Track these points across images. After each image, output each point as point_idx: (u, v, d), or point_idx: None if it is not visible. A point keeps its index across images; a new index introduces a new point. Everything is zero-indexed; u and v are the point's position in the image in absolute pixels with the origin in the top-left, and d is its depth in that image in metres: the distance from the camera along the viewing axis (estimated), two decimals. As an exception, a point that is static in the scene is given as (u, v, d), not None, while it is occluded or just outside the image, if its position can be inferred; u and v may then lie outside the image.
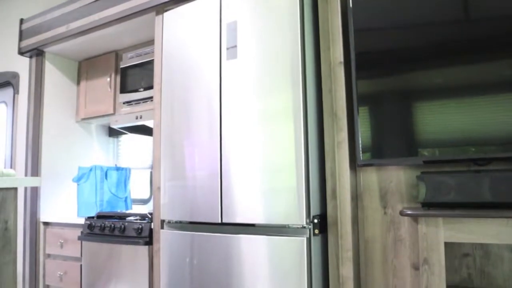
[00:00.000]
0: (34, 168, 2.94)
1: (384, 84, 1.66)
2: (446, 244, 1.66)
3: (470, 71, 1.51)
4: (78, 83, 3.29)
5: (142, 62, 2.80)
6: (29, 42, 3.05)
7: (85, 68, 3.25)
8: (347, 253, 1.68)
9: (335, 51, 1.78)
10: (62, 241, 2.76)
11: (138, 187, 3.32)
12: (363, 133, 1.69)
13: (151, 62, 2.73)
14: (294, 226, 1.66)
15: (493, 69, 1.47)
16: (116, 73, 3.05)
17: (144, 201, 3.24)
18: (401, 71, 1.63)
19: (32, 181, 1.83)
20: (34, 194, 2.93)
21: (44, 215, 2.94)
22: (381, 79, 1.67)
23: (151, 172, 3.24)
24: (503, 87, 1.45)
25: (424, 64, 1.59)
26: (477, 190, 1.46)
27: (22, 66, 3.39)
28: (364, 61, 1.71)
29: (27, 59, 3.20)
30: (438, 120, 1.55)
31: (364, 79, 1.71)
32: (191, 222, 1.97)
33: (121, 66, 2.93)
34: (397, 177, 1.77)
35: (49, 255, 2.89)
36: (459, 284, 1.66)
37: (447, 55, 1.55)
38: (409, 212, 1.52)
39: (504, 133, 1.44)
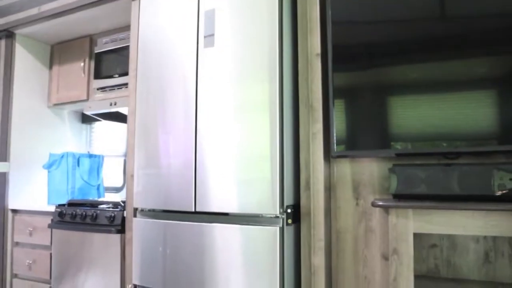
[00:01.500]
0: (3, 154, 2.85)
1: (360, 77, 1.68)
2: (415, 235, 1.71)
3: (444, 67, 1.54)
4: (51, 67, 3.20)
5: (117, 48, 2.74)
6: (-2, 23, 2.94)
7: (58, 52, 3.15)
8: (319, 243, 1.70)
9: (313, 43, 1.79)
10: (31, 229, 2.70)
11: (112, 175, 3.27)
12: (338, 125, 1.71)
13: (126, 48, 2.68)
14: (267, 215, 1.67)
15: (466, 66, 1.51)
16: (90, 58, 2.97)
17: (117, 189, 3.19)
18: (377, 65, 1.65)
19: (0, 167, 1.77)
20: (2, 180, 2.84)
21: (13, 202, 2.86)
22: (357, 72, 1.69)
23: (124, 160, 3.19)
24: (474, 84, 1.49)
25: (399, 59, 1.62)
26: (446, 183, 1.50)
27: (-9, 48, 3.27)
28: (341, 53, 1.73)
29: (-4, 40, 3.09)
30: (411, 114, 1.58)
31: (340, 72, 1.72)
32: (164, 211, 1.95)
33: (96, 51, 2.86)
34: (370, 169, 1.80)
35: (17, 243, 2.82)
36: (426, 273, 1.71)
37: (422, 51, 1.58)
38: (380, 203, 1.55)
39: (474, 128, 1.48)
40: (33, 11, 2.74)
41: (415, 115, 1.58)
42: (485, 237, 1.62)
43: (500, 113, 1.45)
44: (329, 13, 1.76)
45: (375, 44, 1.66)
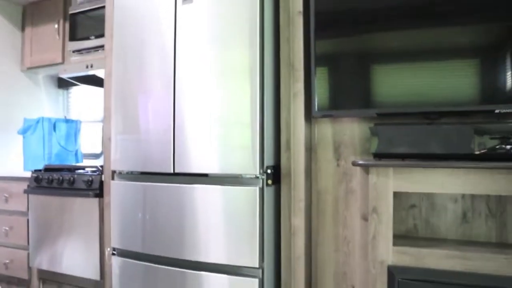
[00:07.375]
0: (-26, 118, 2.75)
1: (342, 44, 1.65)
2: (395, 195, 1.71)
3: (426, 36, 1.53)
4: (23, 29, 3.06)
5: (93, 8, 2.62)
6: (-35, -20, 2.78)
7: (30, 13, 3.01)
8: (299, 204, 1.69)
9: (295, 0, 1.73)
10: (7, 196, 2.63)
11: (90, 141, 3.19)
12: (320, 85, 1.68)
13: (103, 8, 2.57)
14: (247, 176, 1.65)
15: (448, 35, 1.50)
16: (64, 20, 2.85)
17: (96, 156, 3.13)
18: (360, 32, 1.63)
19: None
20: (-25, 146, 2.75)
21: (-13, 169, 2.78)
22: (340, 39, 1.66)
23: (103, 126, 3.12)
24: (456, 52, 1.48)
25: (382, 26, 1.60)
26: (427, 142, 1.50)
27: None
28: (324, 20, 1.70)
29: (-36, 0, 2.93)
30: (394, 81, 1.57)
31: (323, 39, 1.68)
32: (142, 173, 1.91)
33: (71, 12, 2.74)
34: (351, 130, 1.79)
35: (-7, 210, 2.76)
36: (405, 233, 1.73)
37: (405, 19, 1.56)
38: (360, 162, 1.54)
39: (456, 94, 1.48)
40: (2, -33, 2.60)
41: (398, 81, 1.56)
42: (463, 197, 1.64)
43: (481, 80, 1.45)
44: (312, -32, 1.70)
45: (358, 10, 1.63)
